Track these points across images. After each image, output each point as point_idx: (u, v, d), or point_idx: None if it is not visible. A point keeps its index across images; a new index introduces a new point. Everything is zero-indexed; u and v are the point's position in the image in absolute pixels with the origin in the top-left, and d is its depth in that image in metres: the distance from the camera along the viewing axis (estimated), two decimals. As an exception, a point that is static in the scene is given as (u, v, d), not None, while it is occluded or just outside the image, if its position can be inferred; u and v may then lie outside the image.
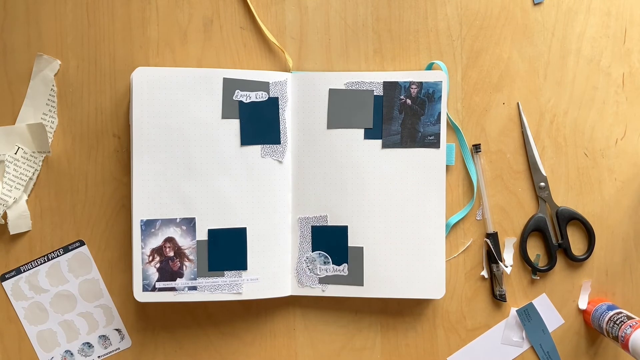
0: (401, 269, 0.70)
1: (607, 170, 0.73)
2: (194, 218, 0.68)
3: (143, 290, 0.68)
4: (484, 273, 0.73)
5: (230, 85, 0.68)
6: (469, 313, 0.73)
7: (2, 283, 0.71)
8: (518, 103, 0.73)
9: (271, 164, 0.70)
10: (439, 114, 0.70)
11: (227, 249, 0.69)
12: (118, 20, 0.71)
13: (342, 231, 0.70)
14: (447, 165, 0.71)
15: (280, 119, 0.70)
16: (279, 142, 0.70)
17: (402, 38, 0.72)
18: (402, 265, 0.70)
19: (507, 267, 0.72)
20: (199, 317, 0.73)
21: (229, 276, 0.69)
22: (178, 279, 0.68)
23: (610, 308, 0.70)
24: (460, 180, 0.73)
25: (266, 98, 0.69)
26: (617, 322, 0.67)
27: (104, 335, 0.72)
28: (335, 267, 0.70)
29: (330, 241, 0.70)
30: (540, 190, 0.73)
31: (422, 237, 0.70)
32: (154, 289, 0.68)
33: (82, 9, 0.71)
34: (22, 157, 0.70)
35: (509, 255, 0.73)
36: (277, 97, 0.70)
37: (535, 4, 0.72)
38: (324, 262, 0.70)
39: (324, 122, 0.70)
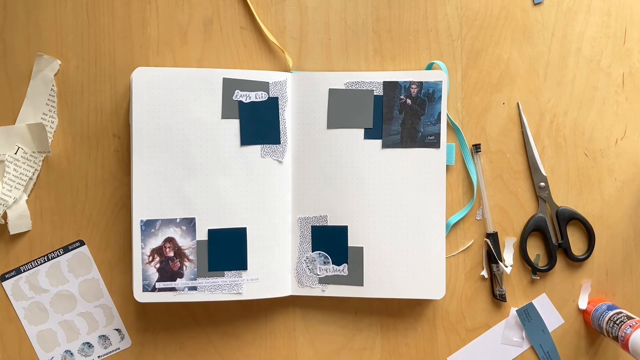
0: (401, 269, 0.70)
1: (607, 170, 0.73)
2: (194, 218, 0.68)
3: (143, 291, 0.68)
4: (484, 273, 0.73)
5: (230, 85, 0.68)
6: (469, 313, 0.73)
7: (2, 283, 0.71)
8: (518, 103, 0.73)
9: (271, 164, 0.70)
10: (439, 113, 0.70)
11: (227, 249, 0.69)
12: (118, 20, 0.71)
13: (342, 231, 0.70)
14: (447, 165, 0.71)
15: (280, 119, 0.70)
16: (278, 142, 0.70)
17: (402, 38, 0.72)
18: (402, 265, 0.70)
19: (507, 267, 0.72)
20: (199, 317, 0.73)
21: (229, 276, 0.69)
22: (178, 279, 0.68)
23: (610, 308, 0.70)
24: (460, 180, 0.73)
25: (266, 98, 0.69)
26: (617, 322, 0.67)
27: (104, 335, 0.72)
28: (335, 267, 0.70)
29: (330, 241, 0.70)
30: (540, 190, 0.73)
31: (422, 237, 0.70)
32: (154, 289, 0.68)
33: (82, 9, 0.71)
34: (22, 157, 0.70)
35: (509, 255, 0.73)
36: (277, 97, 0.70)
37: (535, 4, 0.72)
38: (324, 262, 0.71)
39: (324, 122, 0.70)
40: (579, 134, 0.73)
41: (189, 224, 0.68)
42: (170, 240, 0.68)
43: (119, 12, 0.71)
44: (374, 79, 0.70)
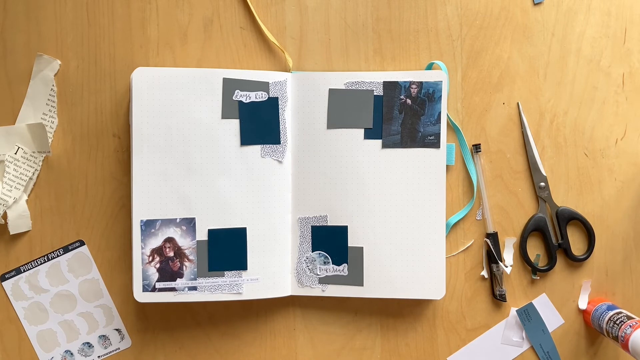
0: (401, 269, 0.70)
1: (607, 170, 0.73)
2: (194, 218, 0.68)
3: (143, 291, 0.68)
4: (484, 273, 0.73)
5: (230, 85, 0.68)
6: (469, 313, 0.73)
7: (2, 283, 0.71)
8: (518, 103, 0.73)
9: (271, 164, 0.70)
10: (439, 113, 0.70)
11: (227, 249, 0.69)
12: (118, 20, 0.71)
13: (342, 231, 0.70)
14: (447, 165, 0.72)
15: (280, 119, 0.70)
16: (278, 142, 0.70)
17: (402, 38, 0.72)
18: (402, 265, 0.70)
19: (507, 267, 0.72)
20: (199, 317, 0.73)
21: (229, 276, 0.69)
22: (178, 279, 0.68)
23: (610, 308, 0.70)
24: (460, 180, 0.73)
25: (266, 98, 0.69)
26: (617, 322, 0.67)
27: (104, 335, 0.72)
28: (335, 267, 0.70)
29: (330, 241, 0.70)
30: (540, 190, 0.73)
31: (422, 237, 0.70)
32: (154, 289, 0.68)
33: (82, 9, 0.71)
34: (22, 157, 0.70)
35: (509, 255, 0.73)
36: (277, 97, 0.70)
37: (535, 4, 0.72)
38: (324, 262, 0.71)
39: (324, 122, 0.70)
40: (579, 134, 0.73)
41: (189, 224, 0.68)
42: (170, 240, 0.68)
43: (119, 12, 0.71)
44: (374, 79, 0.70)
